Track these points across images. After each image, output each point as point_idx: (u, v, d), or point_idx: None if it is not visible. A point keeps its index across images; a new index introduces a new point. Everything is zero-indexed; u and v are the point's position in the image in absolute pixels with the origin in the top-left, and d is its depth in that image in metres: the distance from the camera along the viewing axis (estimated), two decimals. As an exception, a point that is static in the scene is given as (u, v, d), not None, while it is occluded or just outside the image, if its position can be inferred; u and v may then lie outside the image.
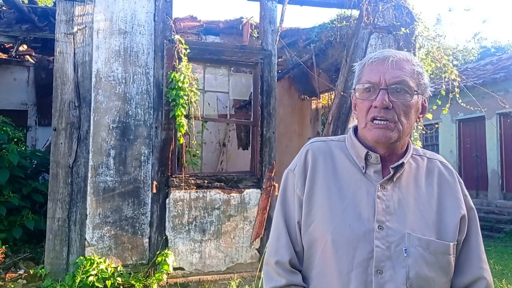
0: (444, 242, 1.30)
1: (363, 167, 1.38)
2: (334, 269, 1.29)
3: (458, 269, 1.34)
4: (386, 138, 1.32)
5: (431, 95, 1.44)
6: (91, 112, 5.45)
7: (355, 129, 1.46)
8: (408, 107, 1.33)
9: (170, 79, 5.54)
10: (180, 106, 5.51)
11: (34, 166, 7.30)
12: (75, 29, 5.46)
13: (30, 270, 5.31)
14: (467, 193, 1.43)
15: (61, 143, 5.35)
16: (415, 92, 1.34)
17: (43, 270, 5.19)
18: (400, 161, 1.35)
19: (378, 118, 1.31)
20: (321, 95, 9.64)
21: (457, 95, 6.82)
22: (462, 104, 7.03)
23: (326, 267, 1.31)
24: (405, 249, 1.27)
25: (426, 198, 1.36)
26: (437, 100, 6.86)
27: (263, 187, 5.97)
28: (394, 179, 1.35)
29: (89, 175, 5.38)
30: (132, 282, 5.25)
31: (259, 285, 5.21)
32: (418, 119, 1.39)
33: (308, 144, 1.49)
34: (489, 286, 1.35)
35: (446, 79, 6.80)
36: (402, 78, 1.32)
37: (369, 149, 1.38)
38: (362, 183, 1.36)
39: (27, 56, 9.59)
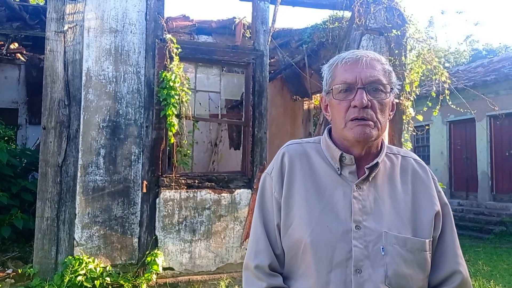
0: (420, 239, 1.32)
1: (338, 168, 1.39)
2: (314, 270, 1.30)
3: (434, 265, 1.36)
4: (367, 136, 1.33)
5: (398, 93, 1.46)
6: (81, 111, 5.42)
7: (329, 131, 1.47)
8: (384, 105, 1.36)
9: (161, 79, 5.53)
10: (171, 106, 5.50)
11: (23, 164, 7.26)
12: (65, 28, 5.43)
13: (19, 270, 5.27)
14: (440, 190, 1.45)
15: (51, 142, 5.32)
16: (390, 90, 1.37)
17: (31, 269, 5.16)
18: (375, 161, 1.36)
19: (358, 118, 1.32)
20: (313, 96, 9.66)
21: (447, 97, 6.87)
22: (453, 106, 7.08)
23: (306, 268, 1.32)
24: (382, 248, 1.29)
25: (401, 196, 1.38)
26: (428, 102, 6.90)
27: (254, 187, 5.97)
28: (370, 178, 1.37)
29: (79, 174, 5.36)
30: (121, 282, 5.23)
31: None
32: (389, 117, 1.41)
33: (284, 146, 1.50)
34: (465, 280, 1.37)
35: (437, 81, 6.84)
36: (377, 77, 1.34)
37: (343, 150, 1.39)
38: (338, 184, 1.37)
39: (18, 54, 9.54)
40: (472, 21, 35.84)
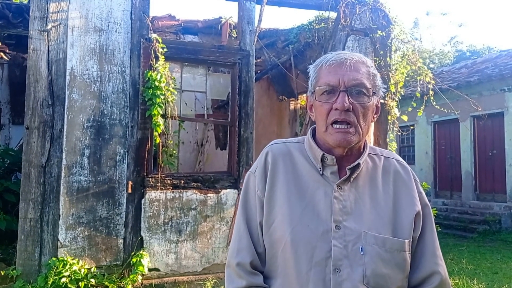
0: (399, 239, 1.33)
1: (320, 168, 1.40)
2: (293, 268, 1.31)
3: (414, 265, 1.37)
4: (347, 142, 1.34)
5: (383, 95, 1.46)
6: (65, 111, 5.36)
7: (313, 131, 1.48)
8: (366, 109, 1.36)
9: (147, 78, 5.49)
10: (156, 106, 5.46)
11: (6, 165, 7.15)
12: (49, 26, 5.37)
13: (1, 272, 5.19)
14: (422, 191, 1.46)
15: (34, 142, 5.25)
16: (373, 94, 1.37)
17: (14, 271, 5.08)
18: (356, 162, 1.37)
19: (339, 121, 1.33)
20: (299, 96, 9.69)
21: (432, 98, 6.94)
22: (437, 106, 7.17)
23: (287, 267, 1.33)
24: (361, 248, 1.30)
25: (382, 197, 1.38)
26: (413, 102, 6.98)
27: (240, 187, 5.96)
28: (351, 179, 1.38)
29: (63, 174, 5.29)
30: (106, 283, 5.18)
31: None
32: (373, 119, 1.41)
33: (268, 146, 1.51)
34: (444, 280, 1.38)
35: (421, 82, 6.91)
36: (360, 81, 1.34)
37: (326, 150, 1.39)
38: (320, 184, 1.38)
39: (1, 53, 9.37)
40: (456, 23, 36.21)
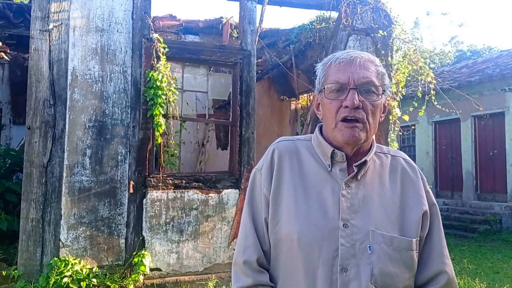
0: (406, 238, 1.32)
1: (329, 165, 1.39)
2: (300, 267, 1.30)
3: (421, 264, 1.36)
4: (356, 139, 1.33)
5: (390, 95, 1.46)
6: (67, 111, 5.36)
7: (321, 128, 1.47)
8: (376, 107, 1.36)
9: (148, 78, 5.50)
10: (158, 105, 5.46)
11: (8, 165, 7.16)
12: (50, 26, 5.37)
13: (3, 272, 5.19)
14: (429, 190, 1.45)
15: (36, 142, 5.25)
16: (382, 92, 1.37)
17: (16, 271, 5.08)
18: (363, 159, 1.37)
19: (349, 118, 1.32)
20: (300, 96, 9.69)
21: (433, 98, 6.94)
22: (438, 106, 7.16)
23: (293, 265, 1.32)
24: (369, 246, 1.29)
25: (390, 195, 1.38)
26: (414, 102, 6.97)
27: (242, 187, 5.96)
28: (358, 177, 1.37)
29: (64, 174, 5.29)
30: (108, 283, 5.18)
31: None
32: (380, 118, 1.41)
33: (274, 143, 1.50)
34: (451, 280, 1.37)
35: (422, 82, 6.91)
36: (370, 79, 1.34)
37: (334, 147, 1.39)
38: (327, 182, 1.37)
39: (2, 53, 9.36)
40: (456, 23, 36.32)
